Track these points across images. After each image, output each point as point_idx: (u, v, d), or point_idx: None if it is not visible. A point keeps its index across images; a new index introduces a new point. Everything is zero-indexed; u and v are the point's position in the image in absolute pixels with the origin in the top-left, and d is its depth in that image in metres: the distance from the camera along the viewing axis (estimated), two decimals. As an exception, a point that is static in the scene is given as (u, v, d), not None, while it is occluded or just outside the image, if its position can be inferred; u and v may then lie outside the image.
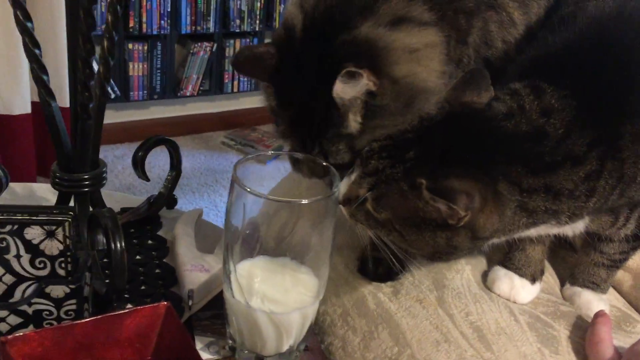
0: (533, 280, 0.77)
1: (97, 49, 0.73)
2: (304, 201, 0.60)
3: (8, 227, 0.63)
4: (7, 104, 2.37)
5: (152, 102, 3.13)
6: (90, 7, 0.67)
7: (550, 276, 0.84)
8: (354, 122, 0.66)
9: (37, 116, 2.37)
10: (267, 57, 0.69)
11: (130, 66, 2.96)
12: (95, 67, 0.73)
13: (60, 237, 0.65)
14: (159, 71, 3.02)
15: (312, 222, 0.64)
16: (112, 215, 0.69)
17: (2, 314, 0.66)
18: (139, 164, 0.87)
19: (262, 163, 0.66)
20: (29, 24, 0.70)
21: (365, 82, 0.63)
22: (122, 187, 2.79)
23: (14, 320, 0.67)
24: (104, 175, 0.80)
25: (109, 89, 2.97)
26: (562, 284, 0.82)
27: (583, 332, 0.71)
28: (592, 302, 0.77)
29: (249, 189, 0.59)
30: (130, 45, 2.93)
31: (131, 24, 2.88)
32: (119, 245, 0.67)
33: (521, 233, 0.68)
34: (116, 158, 2.95)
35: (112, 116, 3.11)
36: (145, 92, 3.04)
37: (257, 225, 0.66)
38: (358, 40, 0.64)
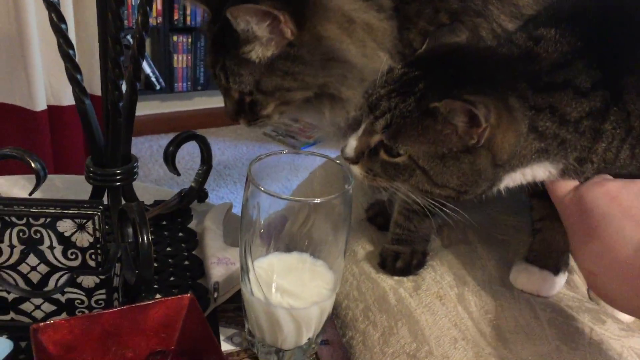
0: (556, 271, 0.76)
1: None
2: (317, 200, 0.61)
3: (41, 220, 0.67)
4: (57, 95, 2.45)
5: (196, 93, 3.19)
6: (119, 10, 0.69)
7: (578, 276, 0.83)
8: (258, 53, 0.70)
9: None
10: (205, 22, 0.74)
11: (175, 58, 3.03)
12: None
13: (90, 229, 0.68)
14: (202, 62, 3.07)
15: (328, 218, 0.66)
16: (140, 210, 0.71)
17: (37, 302, 0.70)
18: (169, 159, 0.90)
19: (277, 160, 0.68)
20: (62, 26, 0.73)
21: (283, 27, 0.66)
22: (166, 177, 2.86)
23: (48, 307, 0.71)
24: (135, 170, 0.83)
25: (155, 80, 3.06)
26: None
27: (608, 326, 0.70)
28: None
29: (262, 189, 0.60)
30: (174, 38, 2.99)
31: (175, 17, 2.94)
32: (145, 238, 0.70)
33: (536, 167, 0.66)
34: (161, 148, 2.99)
35: (157, 107, 3.19)
36: (189, 83, 3.10)
37: (272, 223, 0.67)
38: None
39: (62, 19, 0.73)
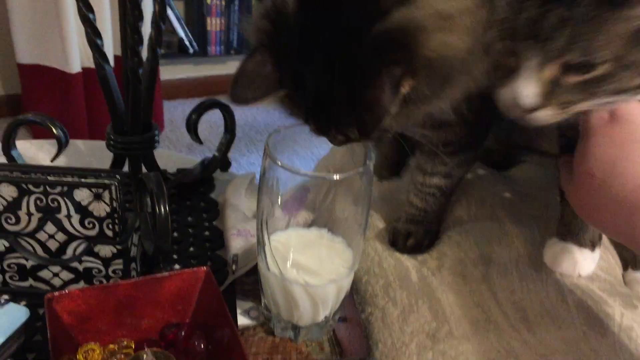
0: (593, 246, 0.71)
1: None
2: (336, 176, 0.59)
3: (58, 189, 0.66)
4: (92, 57, 2.46)
5: (230, 57, 3.17)
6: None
7: (612, 257, 0.80)
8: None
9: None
10: (262, 70, 0.55)
11: (208, 21, 3.00)
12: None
13: (107, 199, 0.67)
14: (236, 26, 3.04)
15: (348, 194, 0.64)
16: (158, 180, 0.70)
17: (56, 270, 0.70)
18: (192, 127, 0.89)
19: (300, 131, 0.65)
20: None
21: (404, 90, 0.53)
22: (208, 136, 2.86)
23: (66, 276, 0.71)
24: (156, 138, 0.82)
25: (188, 43, 3.03)
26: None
27: (639, 313, 0.67)
28: None
29: (280, 163, 0.58)
30: (208, 1, 2.96)
31: (209, -21, 2.91)
32: (163, 209, 0.69)
33: None
34: (194, 112, 3.03)
35: (190, 70, 3.18)
36: (222, 47, 3.08)
37: (293, 196, 0.66)
38: (393, 31, 0.51)
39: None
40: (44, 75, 2.55)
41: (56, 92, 2.55)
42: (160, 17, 0.76)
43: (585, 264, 0.70)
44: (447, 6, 0.52)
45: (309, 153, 2.61)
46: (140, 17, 0.71)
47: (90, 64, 2.51)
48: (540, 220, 0.81)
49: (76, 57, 2.45)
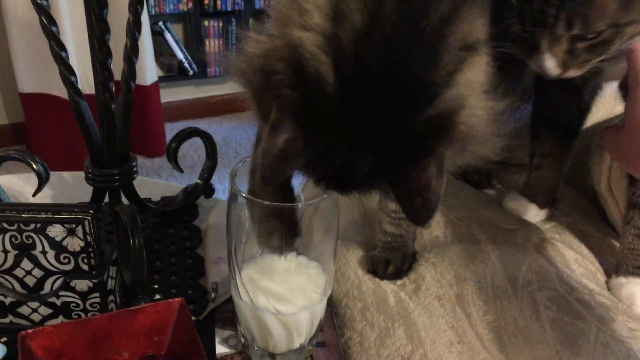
0: (543, 206, 0.88)
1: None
2: (301, 205, 0.60)
3: (32, 225, 0.67)
4: (92, 84, 2.48)
5: (229, 78, 3.19)
6: (102, 12, 0.68)
7: (592, 265, 0.80)
8: None
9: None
10: (294, 147, 0.47)
11: (207, 43, 3.03)
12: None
13: (80, 234, 0.68)
14: (234, 47, 3.06)
15: (318, 220, 0.64)
16: (132, 212, 0.71)
17: (34, 305, 0.71)
18: (172, 156, 0.89)
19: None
20: (53, 28, 0.73)
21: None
22: (200, 162, 2.88)
23: (45, 311, 0.71)
24: (135, 169, 0.83)
25: (188, 65, 3.06)
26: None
27: (617, 326, 0.67)
28: (636, 294, 0.73)
29: (243, 194, 0.59)
30: (205, 23, 2.99)
31: (206, 1, 2.94)
32: (137, 241, 0.70)
33: None
34: (196, 133, 3.06)
35: (190, 92, 3.21)
36: (222, 67, 3.11)
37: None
38: (442, 114, 0.47)
39: (52, 22, 0.73)
40: (45, 103, 2.59)
41: (59, 119, 2.58)
42: (132, 52, 0.77)
43: (531, 214, 0.88)
44: (479, 79, 0.49)
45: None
46: (109, 54, 0.72)
47: (91, 90, 2.55)
48: (518, 233, 0.81)
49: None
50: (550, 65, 0.62)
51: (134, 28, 0.76)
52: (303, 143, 0.47)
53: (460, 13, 0.46)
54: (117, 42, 0.74)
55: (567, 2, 0.57)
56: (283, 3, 0.50)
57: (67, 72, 0.75)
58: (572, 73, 0.63)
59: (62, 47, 0.74)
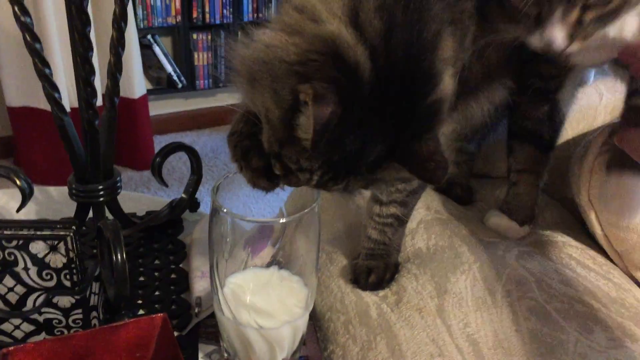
0: (522, 223, 0.88)
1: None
2: (282, 220, 0.61)
3: (14, 242, 0.67)
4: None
5: (218, 90, 3.20)
6: (84, 30, 0.69)
7: (571, 272, 0.81)
8: None
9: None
10: (335, 119, 0.54)
11: (196, 56, 3.04)
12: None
13: (62, 250, 0.68)
14: (223, 59, 3.07)
15: (300, 234, 0.65)
16: (115, 228, 0.71)
17: (17, 322, 0.71)
18: (156, 171, 0.90)
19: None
20: (37, 45, 0.73)
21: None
22: (188, 175, 2.88)
23: (27, 327, 0.71)
24: (118, 184, 0.83)
25: (176, 78, 3.06)
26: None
27: (595, 336, 0.68)
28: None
29: (225, 210, 0.60)
30: (194, 36, 3.00)
31: (195, 15, 2.95)
32: (120, 257, 0.70)
33: None
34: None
35: (180, 105, 3.22)
36: (210, 80, 3.12)
37: (251, 238, 0.67)
38: (439, 100, 0.58)
39: (36, 39, 0.74)
40: (34, 117, 2.59)
41: (47, 132, 2.58)
42: (116, 68, 0.78)
43: (511, 232, 0.89)
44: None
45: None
46: (91, 71, 0.72)
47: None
48: (499, 246, 0.82)
49: (65, 98, 2.49)
50: (560, 36, 0.63)
51: (117, 45, 0.77)
52: (342, 117, 0.53)
53: (443, 34, 0.58)
54: (104, 56, 0.75)
55: None
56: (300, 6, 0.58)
57: (50, 89, 0.76)
58: (575, 46, 0.64)
59: (46, 64, 0.75)
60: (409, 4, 0.56)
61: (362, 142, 0.56)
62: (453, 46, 0.60)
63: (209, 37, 3.02)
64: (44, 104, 2.51)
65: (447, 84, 0.59)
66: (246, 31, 0.61)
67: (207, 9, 2.96)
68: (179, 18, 2.94)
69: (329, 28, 0.55)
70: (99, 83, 2.35)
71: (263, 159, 0.63)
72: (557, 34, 0.63)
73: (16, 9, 0.69)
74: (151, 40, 2.98)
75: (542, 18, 0.63)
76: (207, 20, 2.98)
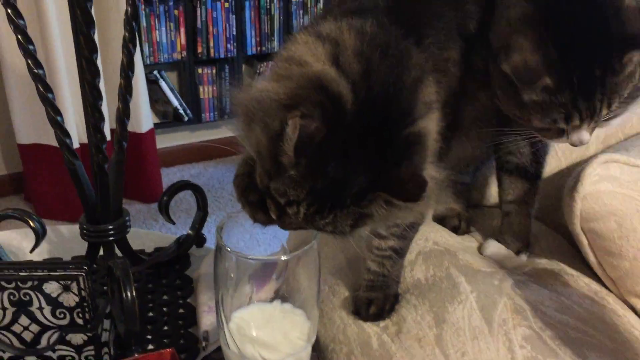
0: (518, 252, 0.91)
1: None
2: (284, 257, 0.64)
3: (29, 283, 0.71)
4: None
5: (224, 122, 3.25)
6: (92, 56, 0.72)
7: (567, 299, 0.83)
8: None
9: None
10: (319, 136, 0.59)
11: (201, 89, 3.10)
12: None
13: (75, 290, 0.71)
14: (227, 92, 3.13)
15: (303, 268, 0.68)
16: (124, 266, 0.75)
17: (31, 359, 0.74)
18: (164, 209, 0.93)
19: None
20: (50, 95, 0.78)
21: None
22: (195, 206, 2.91)
23: (42, 364, 0.74)
24: (127, 224, 0.87)
25: (183, 112, 3.11)
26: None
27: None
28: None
29: (229, 249, 0.63)
30: (199, 70, 3.06)
31: (199, 50, 3.01)
32: (129, 295, 0.73)
33: None
34: (192, 177, 3.09)
35: (186, 137, 3.26)
36: (216, 113, 3.17)
37: (255, 273, 0.70)
38: (417, 133, 0.63)
39: (48, 89, 0.78)
40: (44, 153, 2.63)
41: (56, 169, 2.63)
42: (124, 113, 0.82)
43: (507, 261, 0.91)
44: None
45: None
46: (99, 96, 0.75)
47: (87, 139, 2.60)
48: (495, 275, 0.84)
49: (74, 134, 2.54)
50: (586, 137, 0.74)
51: (125, 92, 0.81)
52: (326, 138, 0.58)
53: (425, 80, 0.64)
54: (112, 101, 0.78)
55: (607, 86, 0.69)
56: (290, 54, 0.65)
57: (62, 135, 0.80)
58: (593, 134, 0.75)
59: (58, 112, 0.79)
60: (387, 51, 0.62)
61: (344, 171, 0.60)
62: (437, 92, 0.65)
63: (214, 70, 3.08)
64: (53, 141, 2.56)
65: (431, 124, 0.64)
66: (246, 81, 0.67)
67: (211, 44, 3.02)
68: (184, 53, 3.00)
69: (314, 68, 0.62)
70: (106, 109, 2.41)
71: (259, 193, 0.67)
72: (585, 136, 0.74)
73: (29, 62, 0.74)
74: (157, 75, 3.03)
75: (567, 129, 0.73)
76: (212, 54, 3.04)
